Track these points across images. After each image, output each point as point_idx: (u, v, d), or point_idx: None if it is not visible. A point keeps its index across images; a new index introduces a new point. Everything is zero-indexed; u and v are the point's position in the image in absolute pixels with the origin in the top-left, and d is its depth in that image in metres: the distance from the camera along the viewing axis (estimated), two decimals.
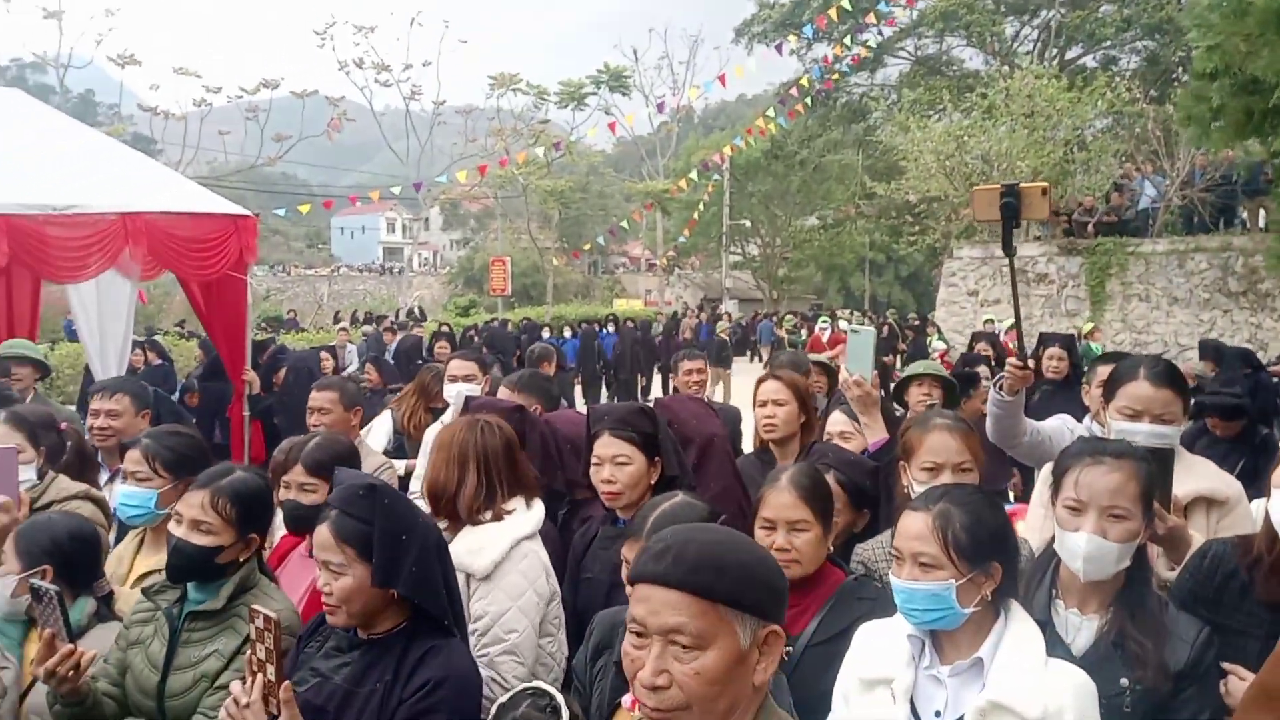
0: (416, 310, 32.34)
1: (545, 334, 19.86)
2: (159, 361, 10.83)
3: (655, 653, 1.33)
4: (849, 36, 26.94)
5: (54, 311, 10.73)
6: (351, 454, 2.99)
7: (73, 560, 2.43)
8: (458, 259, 58.73)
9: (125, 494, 2.84)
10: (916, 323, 24.38)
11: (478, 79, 32.62)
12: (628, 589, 1.47)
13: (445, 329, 13.89)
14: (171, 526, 2.34)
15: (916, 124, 22.17)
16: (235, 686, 1.95)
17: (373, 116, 30.30)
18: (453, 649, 1.98)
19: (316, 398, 3.91)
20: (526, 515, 2.78)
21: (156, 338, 14.25)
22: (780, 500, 2.40)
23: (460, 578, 2.49)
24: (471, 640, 2.48)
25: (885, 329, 19.84)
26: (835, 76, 30.09)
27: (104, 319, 7.73)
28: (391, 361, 11.55)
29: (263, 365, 8.12)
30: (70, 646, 2.01)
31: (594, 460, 2.87)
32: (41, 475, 3.16)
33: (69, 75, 25.73)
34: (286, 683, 1.90)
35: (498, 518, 2.70)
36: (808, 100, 27.86)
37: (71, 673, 2.03)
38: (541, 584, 2.75)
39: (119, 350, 7.89)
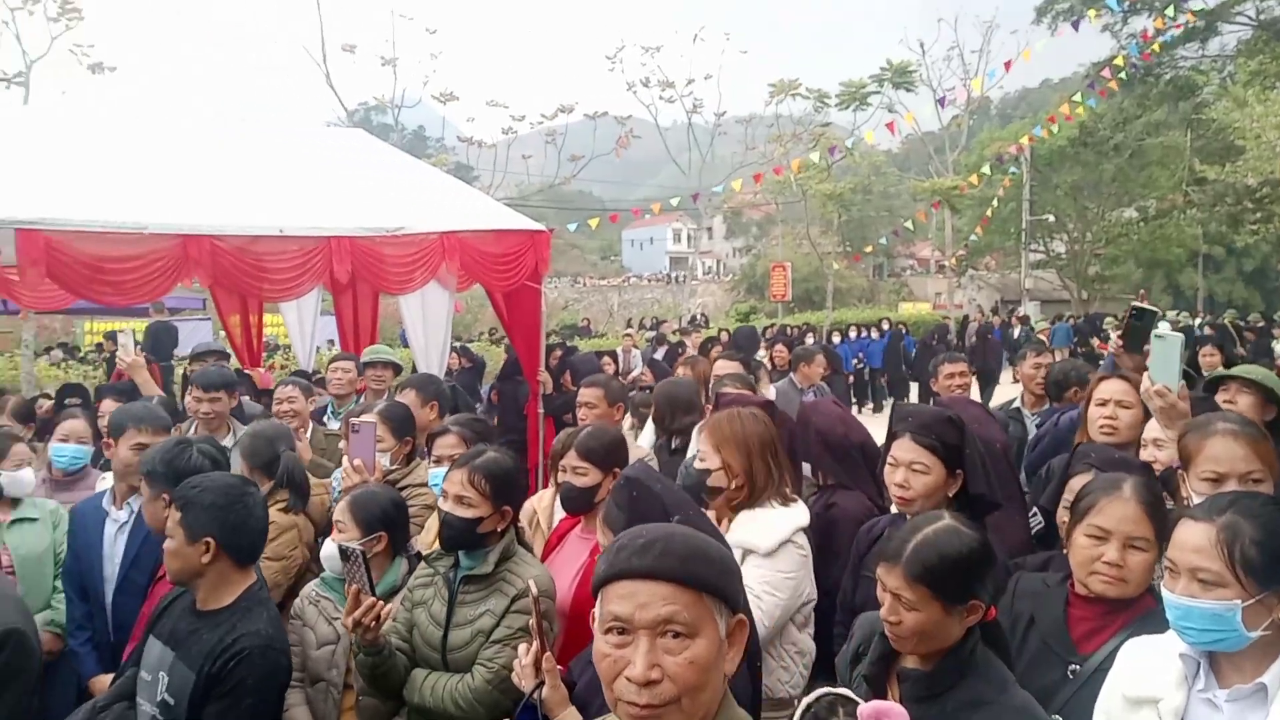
0: (699, 316, 33.35)
1: (852, 335, 19.83)
2: (469, 364, 12.27)
3: (645, 647, 1.33)
4: (1172, 6, 23.93)
5: (389, 321, 12.38)
6: (619, 443, 3.24)
7: (395, 526, 2.88)
8: (739, 266, 59.65)
9: (435, 474, 3.32)
10: (1260, 324, 21.20)
11: (757, 87, 32.95)
12: (604, 589, 1.40)
13: (722, 334, 14.36)
14: (440, 502, 2.70)
15: (1257, 97, 19.33)
16: (521, 649, 2.16)
17: (658, 132, 31.68)
18: None
19: (584, 393, 4.28)
20: (799, 506, 2.92)
21: (470, 344, 16.13)
22: (1123, 512, 2.21)
23: (737, 553, 2.65)
24: None
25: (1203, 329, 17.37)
26: (1156, 49, 26.86)
27: (428, 326, 8.73)
28: (666, 364, 12.09)
29: (553, 367, 8.85)
30: (373, 600, 2.36)
31: (890, 461, 2.80)
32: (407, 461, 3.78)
33: (403, 114, 29.41)
34: (548, 654, 2.06)
35: (783, 502, 2.85)
36: (1122, 77, 25.11)
37: (373, 623, 2.36)
38: (804, 578, 2.86)
39: (440, 353, 8.89)
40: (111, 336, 16.83)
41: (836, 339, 19.59)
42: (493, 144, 28.81)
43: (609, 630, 1.36)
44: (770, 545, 2.76)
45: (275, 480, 3.41)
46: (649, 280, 66.25)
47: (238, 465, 3.51)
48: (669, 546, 1.38)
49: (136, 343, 5.86)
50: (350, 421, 3.22)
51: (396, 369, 7.00)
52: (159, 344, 14.69)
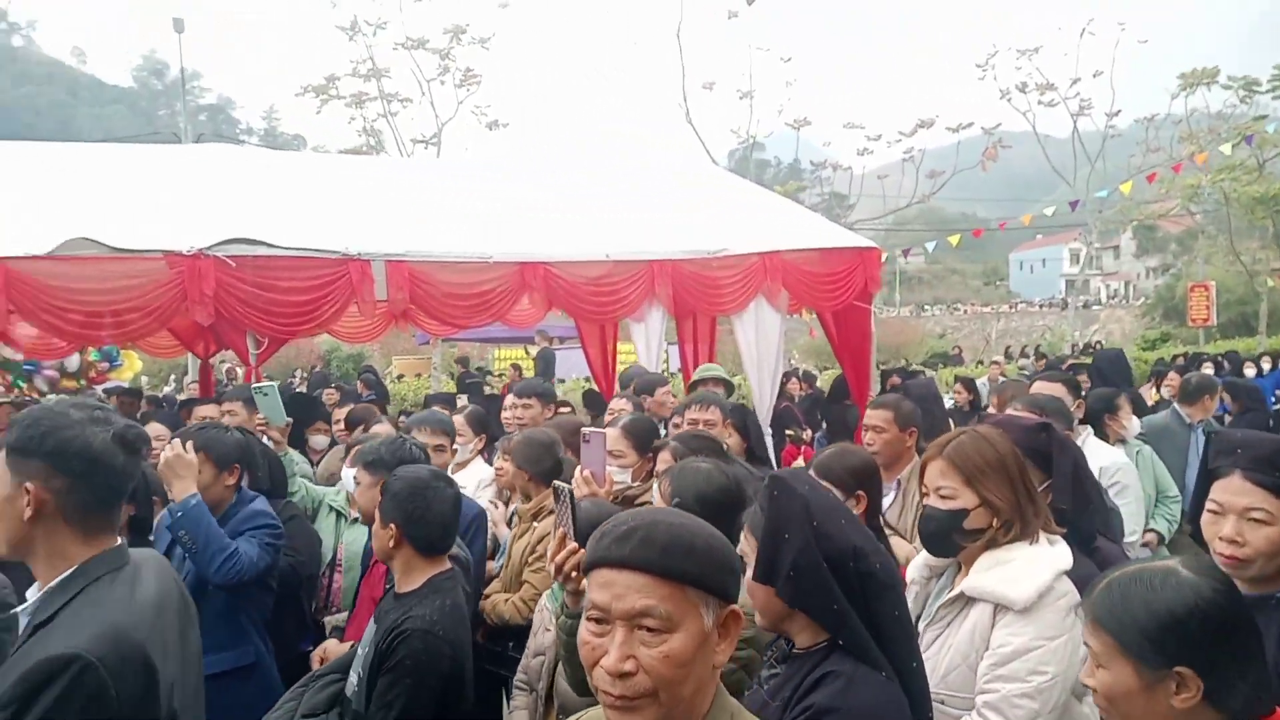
0: (1097, 344, 29.71)
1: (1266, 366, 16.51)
2: (809, 390, 12.19)
3: (620, 638, 1.29)
4: None
5: (726, 344, 12.62)
6: (858, 466, 2.95)
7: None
8: (1154, 288, 52.35)
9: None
10: None
11: (1160, 81, 28.76)
12: (590, 575, 1.37)
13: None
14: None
15: None
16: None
17: (1036, 141, 28.94)
18: (860, 680, 1.73)
19: (870, 415, 3.95)
20: (1060, 545, 2.37)
21: (810, 369, 16.07)
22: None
23: (985, 610, 2.24)
24: (981, 671, 2.20)
25: None
26: None
27: (760, 349, 8.60)
28: None
29: (883, 393, 8.38)
30: (575, 545, 2.23)
31: (1212, 507, 2.23)
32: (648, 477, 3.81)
33: (755, 143, 30.15)
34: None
35: (1030, 540, 2.34)
36: None
37: (575, 573, 2.23)
38: (1079, 633, 2.31)
39: (772, 375, 8.74)
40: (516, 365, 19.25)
41: (1250, 371, 16.22)
42: (847, 166, 28.45)
43: (590, 618, 1.34)
44: (1028, 596, 2.21)
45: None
46: (1040, 306, 60.87)
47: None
48: (650, 535, 1.33)
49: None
50: (583, 431, 3.26)
51: (728, 386, 7.00)
52: (547, 367, 16.54)
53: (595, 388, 8.90)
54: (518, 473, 3.69)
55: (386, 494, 2.67)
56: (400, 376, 21.18)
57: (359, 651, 2.67)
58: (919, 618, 2.41)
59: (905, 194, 27.33)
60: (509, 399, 5.20)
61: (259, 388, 4.26)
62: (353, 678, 2.63)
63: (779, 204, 9.31)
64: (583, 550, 2.32)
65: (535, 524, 3.51)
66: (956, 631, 2.29)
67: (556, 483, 2.36)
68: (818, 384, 13.50)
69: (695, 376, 7.00)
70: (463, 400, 10.47)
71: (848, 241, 8.04)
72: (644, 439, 3.62)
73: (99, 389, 11.73)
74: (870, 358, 8.12)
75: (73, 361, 12.13)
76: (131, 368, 13.87)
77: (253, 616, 3.25)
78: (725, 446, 4.65)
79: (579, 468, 3.18)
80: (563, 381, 17.61)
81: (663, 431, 4.21)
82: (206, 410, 5.21)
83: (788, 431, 10.66)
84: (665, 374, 12.94)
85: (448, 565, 2.72)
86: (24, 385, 11.88)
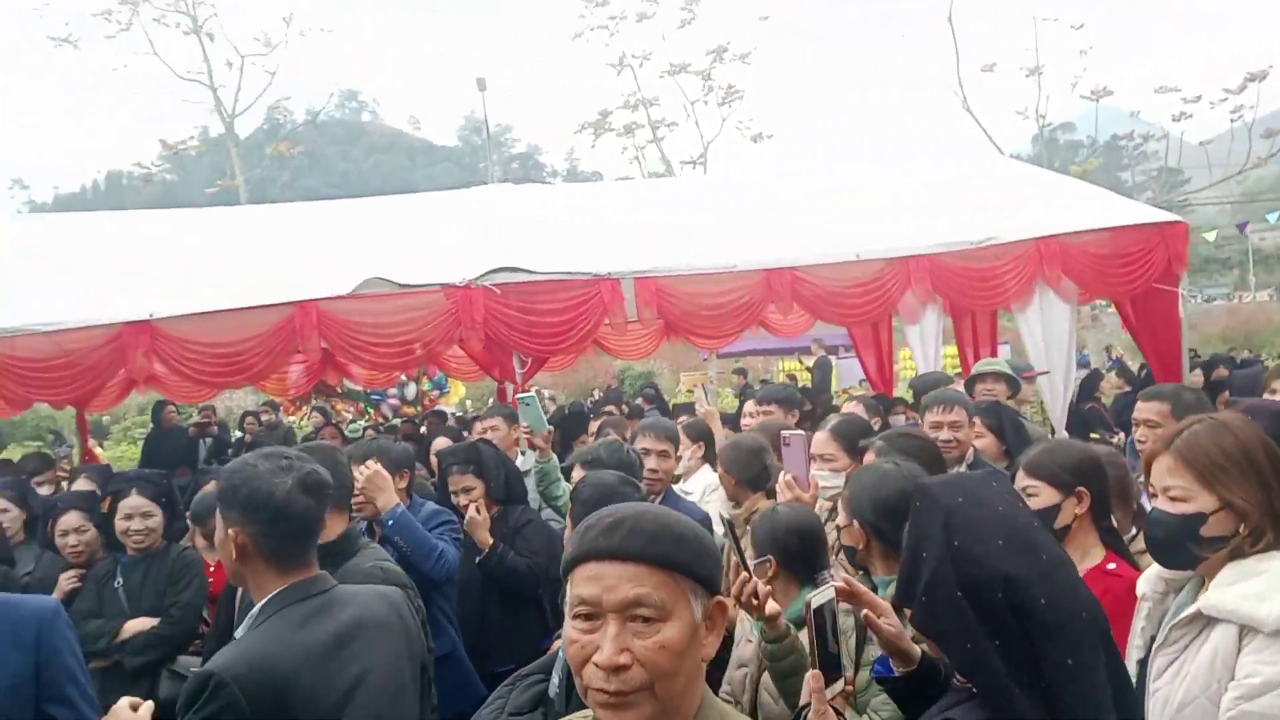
0: None
1: None
2: (1130, 387, 10.89)
3: (613, 631, 1.26)
4: None
5: (1006, 336, 11.51)
6: (1080, 460, 2.56)
7: (790, 552, 2.66)
8: None
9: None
10: None
11: None
12: (572, 572, 1.33)
13: None
14: None
15: None
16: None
17: None
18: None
19: (1141, 408, 3.44)
20: None
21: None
22: None
23: (1229, 631, 1.86)
24: (1225, 705, 1.82)
25: None
26: None
27: (1049, 342, 7.75)
28: None
29: (1208, 385, 7.25)
30: (747, 575, 2.15)
31: None
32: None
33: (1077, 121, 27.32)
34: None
35: None
36: None
37: (753, 600, 2.15)
38: None
39: (1064, 372, 7.86)
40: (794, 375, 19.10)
41: None
42: (1161, 135, 24.93)
43: (576, 615, 1.30)
44: (1276, 618, 1.79)
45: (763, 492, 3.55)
46: None
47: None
48: (637, 525, 1.31)
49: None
50: (782, 434, 3.12)
51: (1010, 382, 6.40)
52: (824, 376, 16.22)
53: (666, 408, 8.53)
54: (725, 477, 3.65)
55: (575, 500, 2.72)
56: (690, 390, 21.81)
57: (559, 654, 2.75)
58: (1152, 639, 2.04)
59: (1236, 160, 23.50)
60: (749, 405, 5.16)
61: (522, 398, 4.56)
62: (555, 679, 2.71)
63: (1064, 186, 8.44)
64: (756, 582, 2.25)
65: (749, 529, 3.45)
66: (1194, 657, 1.90)
67: (721, 513, 2.30)
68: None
69: (973, 371, 6.47)
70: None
71: (1143, 218, 7.09)
72: (854, 440, 3.41)
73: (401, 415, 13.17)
74: (1180, 347, 7.08)
75: (410, 390, 13.93)
76: (456, 394, 15.62)
77: (445, 609, 3.50)
78: (973, 450, 4.27)
79: (782, 472, 3.06)
80: (843, 391, 17.16)
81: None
82: (488, 422, 5.67)
83: (1093, 435, 9.59)
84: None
85: None
86: (372, 412, 13.81)
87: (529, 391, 5.11)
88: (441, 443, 5.28)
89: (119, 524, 3.83)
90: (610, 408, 9.68)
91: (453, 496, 3.93)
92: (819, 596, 1.66)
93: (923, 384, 5.59)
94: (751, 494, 3.59)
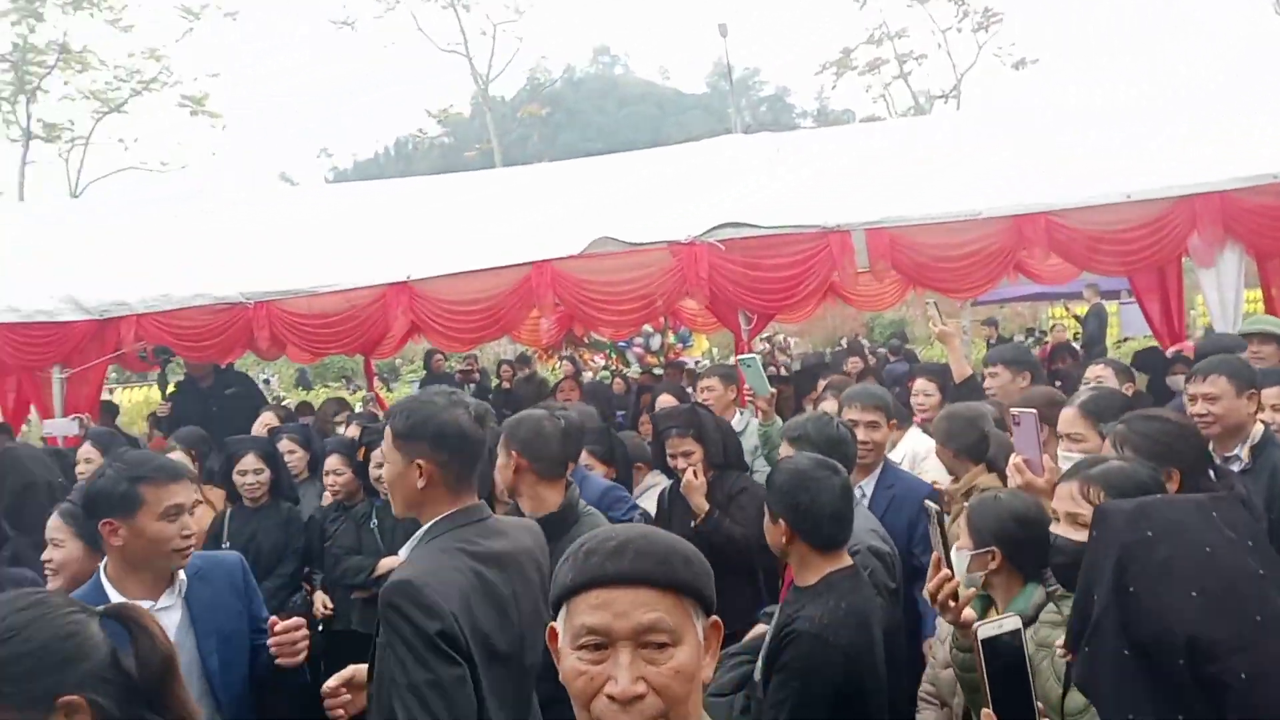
0: None
1: None
2: None
3: (626, 660, 1.20)
4: None
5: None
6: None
7: (1019, 543, 2.38)
8: None
9: None
10: None
11: None
12: (568, 602, 1.26)
13: None
14: None
15: None
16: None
17: None
18: None
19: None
20: None
21: None
22: None
23: None
24: None
25: None
26: None
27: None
28: None
29: None
30: (947, 572, 1.98)
31: None
32: None
33: None
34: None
35: None
36: None
37: (952, 603, 1.98)
38: None
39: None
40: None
41: None
42: None
43: (582, 645, 1.23)
44: None
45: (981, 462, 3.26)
46: None
47: None
48: (644, 548, 1.25)
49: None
50: (1011, 412, 2.76)
51: None
52: (1099, 326, 14.66)
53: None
54: (941, 451, 3.36)
55: (771, 487, 2.57)
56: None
57: (767, 636, 2.67)
58: None
59: None
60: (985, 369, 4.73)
61: (742, 359, 4.48)
62: (760, 663, 2.64)
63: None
64: (956, 581, 2.04)
65: (966, 505, 3.15)
66: None
67: (928, 503, 2.09)
68: None
69: (1242, 329, 5.54)
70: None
71: None
72: (1108, 418, 2.97)
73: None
74: None
75: (655, 341, 14.31)
76: (700, 347, 15.83)
77: None
78: (1263, 428, 3.60)
79: (1012, 455, 2.74)
80: (1124, 341, 15.49)
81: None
82: (705, 382, 5.65)
83: None
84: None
85: (848, 562, 2.57)
86: (615, 356, 14.33)
87: (751, 352, 5.02)
88: (665, 400, 5.32)
89: (371, 471, 4.24)
90: (854, 360, 9.29)
91: (669, 459, 3.95)
92: (989, 627, 1.38)
93: (1209, 346, 4.80)
94: (972, 465, 3.30)
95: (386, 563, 4.18)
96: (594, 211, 6.77)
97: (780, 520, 2.50)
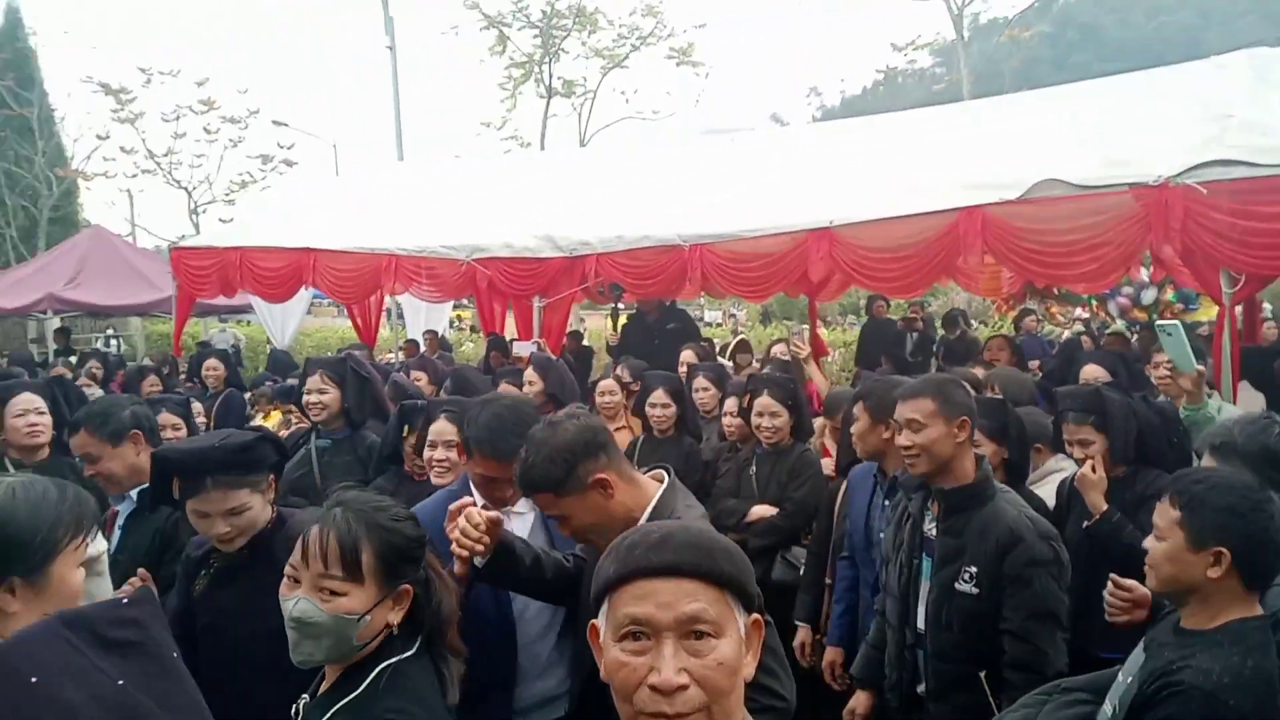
0: None
1: None
2: None
3: (669, 651, 1.20)
4: None
5: None
6: None
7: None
8: None
9: None
10: None
11: None
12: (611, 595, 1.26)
13: None
14: None
15: None
16: None
17: None
18: None
19: None
20: None
21: None
22: None
23: None
24: None
25: None
26: None
27: None
28: None
29: None
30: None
31: None
32: None
33: None
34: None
35: None
36: None
37: None
38: None
39: None
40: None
41: None
42: None
43: (624, 636, 1.23)
44: None
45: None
46: None
47: None
48: (688, 539, 1.26)
49: None
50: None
51: None
52: None
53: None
54: None
55: (1203, 506, 2.00)
56: None
57: (1118, 679, 2.19)
58: None
59: None
60: None
61: (1161, 326, 3.69)
62: (1107, 708, 2.17)
63: None
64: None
65: None
66: None
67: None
68: None
69: None
70: None
71: None
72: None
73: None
74: None
75: (1148, 295, 12.25)
76: (1207, 313, 13.16)
77: None
78: None
79: None
80: None
81: None
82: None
83: None
84: None
85: (1258, 610, 1.99)
86: (1097, 305, 12.56)
87: (1173, 319, 4.07)
88: (1091, 372, 4.55)
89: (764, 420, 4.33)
90: None
91: (1065, 446, 3.40)
92: None
93: None
94: None
95: (757, 510, 4.25)
96: (1043, 149, 5.96)
97: (1219, 548, 1.98)
